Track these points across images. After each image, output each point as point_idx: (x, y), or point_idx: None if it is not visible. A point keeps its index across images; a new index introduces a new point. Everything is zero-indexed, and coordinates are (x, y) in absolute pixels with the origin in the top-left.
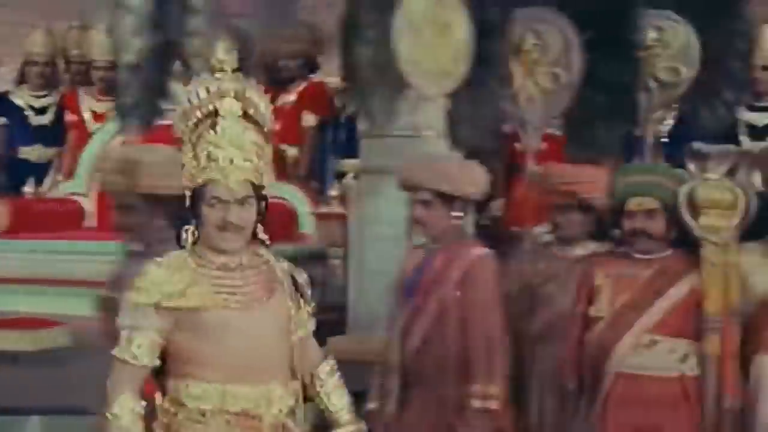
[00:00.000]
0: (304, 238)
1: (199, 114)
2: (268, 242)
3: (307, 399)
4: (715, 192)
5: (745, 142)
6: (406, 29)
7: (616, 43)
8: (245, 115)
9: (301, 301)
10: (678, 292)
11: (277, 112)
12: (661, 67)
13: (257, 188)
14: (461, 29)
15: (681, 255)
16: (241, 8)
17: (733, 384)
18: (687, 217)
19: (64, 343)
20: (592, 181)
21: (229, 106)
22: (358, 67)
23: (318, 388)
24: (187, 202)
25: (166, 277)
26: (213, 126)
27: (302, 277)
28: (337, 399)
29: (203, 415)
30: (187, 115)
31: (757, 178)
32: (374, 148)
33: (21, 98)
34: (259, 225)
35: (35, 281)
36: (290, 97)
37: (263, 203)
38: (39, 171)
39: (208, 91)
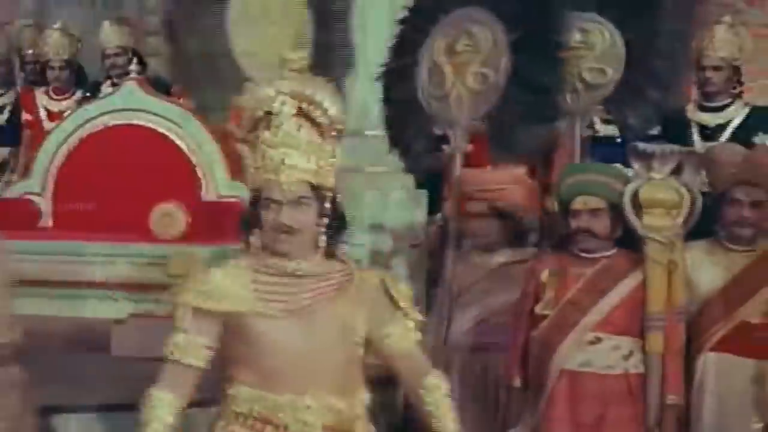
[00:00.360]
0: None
1: (257, 115)
2: (323, 248)
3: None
4: (658, 191)
5: (697, 142)
6: (240, 20)
7: (540, 44)
8: (304, 115)
9: (399, 312)
10: (622, 290)
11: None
12: (586, 68)
13: (317, 189)
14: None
15: (625, 254)
16: None
17: (675, 381)
18: (631, 216)
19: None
20: (504, 188)
21: (282, 104)
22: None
23: (427, 400)
24: (249, 205)
25: (218, 281)
26: (268, 126)
27: (396, 287)
28: (442, 413)
29: (237, 417)
30: (245, 117)
31: (702, 178)
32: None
33: None
34: (320, 228)
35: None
36: None
37: (327, 205)
38: None
39: (266, 91)
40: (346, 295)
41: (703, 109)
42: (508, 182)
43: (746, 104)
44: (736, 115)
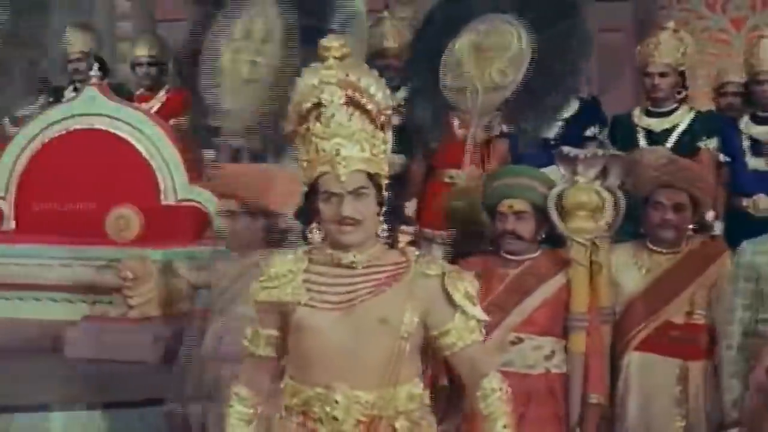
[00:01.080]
0: (216, 239)
1: (305, 107)
2: (383, 236)
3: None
4: (582, 195)
5: (644, 146)
6: None
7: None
8: (353, 103)
9: (457, 309)
10: (545, 291)
11: None
12: (496, 69)
13: (374, 178)
14: None
15: (550, 255)
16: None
17: (598, 381)
18: (555, 218)
19: None
20: (248, 186)
21: (331, 94)
22: None
23: (479, 403)
24: (304, 199)
25: (275, 270)
26: (318, 117)
27: (455, 284)
28: (498, 415)
29: (286, 409)
30: (292, 110)
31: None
32: None
33: None
34: (380, 217)
35: None
36: None
37: (383, 193)
38: None
39: (311, 82)
40: (397, 288)
41: (650, 114)
42: (257, 179)
43: (692, 109)
44: (682, 120)
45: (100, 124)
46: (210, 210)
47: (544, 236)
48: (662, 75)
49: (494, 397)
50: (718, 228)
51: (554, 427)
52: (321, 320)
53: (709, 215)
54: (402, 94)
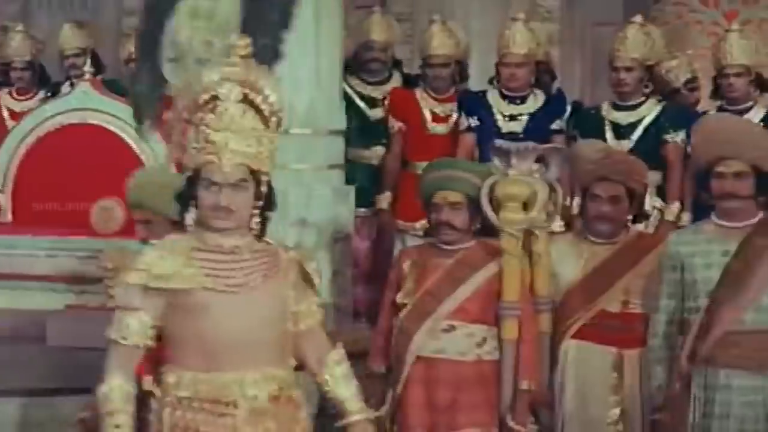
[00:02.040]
0: None
1: (203, 98)
2: (257, 230)
3: None
4: (512, 186)
5: (611, 140)
6: None
7: None
8: (248, 101)
9: (309, 290)
10: (477, 280)
11: None
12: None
13: (255, 173)
14: None
15: (483, 245)
16: None
17: (529, 368)
18: (488, 209)
19: None
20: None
21: (229, 90)
22: None
23: (326, 377)
24: (187, 184)
25: (159, 259)
26: (213, 110)
27: (311, 267)
28: (345, 387)
29: (180, 402)
30: (191, 99)
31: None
32: None
33: None
34: (254, 210)
35: None
36: None
37: (262, 189)
38: None
39: (212, 76)
40: (277, 273)
41: (617, 108)
42: None
43: (659, 102)
44: (648, 113)
45: (92, 119)
46: None
47: (479, 226)
48: (628, 69)
49: (345, 365)
50: (687, 219)
51: (486, 413)
52: (225, 304)
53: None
54: (392, 85)
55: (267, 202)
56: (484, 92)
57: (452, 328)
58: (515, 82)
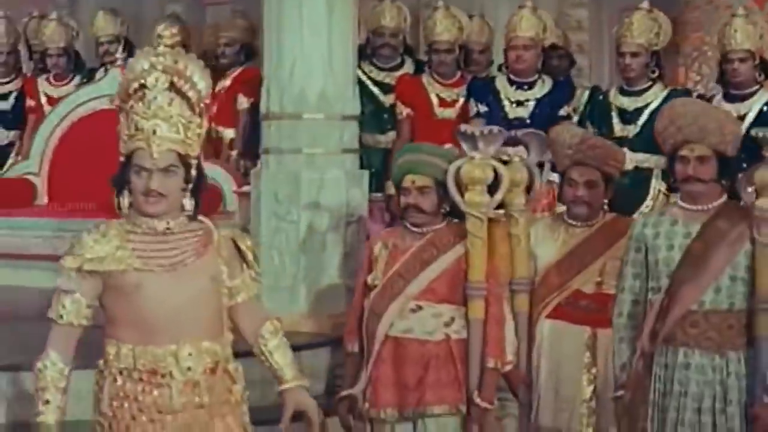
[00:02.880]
0: (229, 215)
1: (132, 87)
2: (190, 210)
3: None
4: (476, 170)
5: (617, 125)
6: None
7: None
8: (176, 89)
9: (244, 265)
10: (444, 261)
11: (215, 97)
12: None
13: (184, 158)
14: None
15: (451, 227)
16: None
17: (496, 346)
18: (454, 192)
19: None
20: None
21: (156, 79)
22: None
23: (261, 347)
24: (120, 170)
25: (93, 242)
26: (142, 98)
27: (245, 243)
28: (280, 356)
29: (120, 373)
30: (122, 88)
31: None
32: (285, 130)
33: None
34: (185, 193)
35: None
36: (226, 82)
37: (192, 172)
38: (1, 153)
39: (141, 65)
40: (210, 251)
41: (624, 93)
42: None
43: (666, 87)
44: (654, 98)
45: None
46: (223, 187)
47: (448, 209)
48: (634, 55)
49: (280, 335)
50: None
51: (453, 390)
52: (158, 282)
53: None
54: (405, 71)
55: (196, 184)
56: (492, 78)
57: (420, 308)
58: (522, 64)
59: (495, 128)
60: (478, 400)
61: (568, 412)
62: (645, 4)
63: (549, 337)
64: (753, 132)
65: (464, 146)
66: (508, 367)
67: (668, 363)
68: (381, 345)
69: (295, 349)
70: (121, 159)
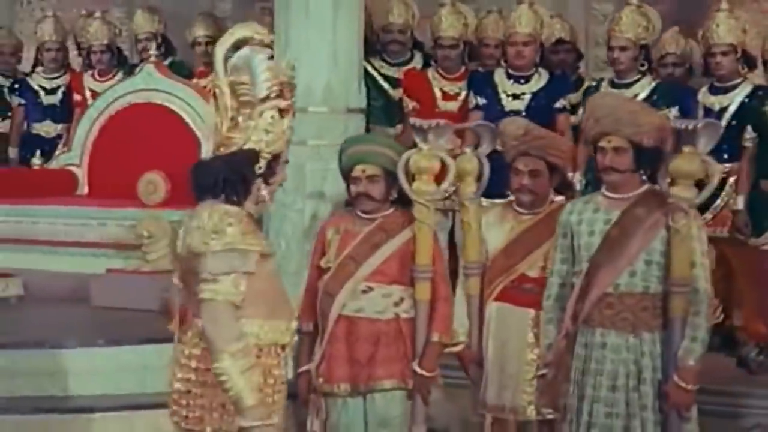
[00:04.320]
0: None
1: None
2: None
3: None
4: (423, 160)
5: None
6: None
7: None
8: None
9: None
10: (392, 245)
11: None
12: None
13: None
14: None
15: (399, 214)
16: None
17: (441, 323)
18: (403, 181)
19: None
20: None
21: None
22: None
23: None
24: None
25: (247, 227)
26: (291, 94)
27: None
28: None
29: (260, 350)
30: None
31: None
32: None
33: (36, 81)
34: None
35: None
36: None
37: None
38: (50, 145)
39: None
40: None
41: (614, 85)
42: None
43: (654, 80)
44: (642, 90)
45: (156, 98)
46: None
47: (396, 196)
48: (622, 49)
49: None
50: None
51: (401, 365)
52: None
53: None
54: (413, 66)
55: None
56: (491, 72)
57: (370, 289)
58: (521, 60)
59: (442, 122)
60: (417, 369)
61: (511, 389)
62: (635, 1)
63: (495, 319)
64: (675, 124)
65: (416, 138)
66: (459, 347)
67: (588, 343)
68: (334, 324)
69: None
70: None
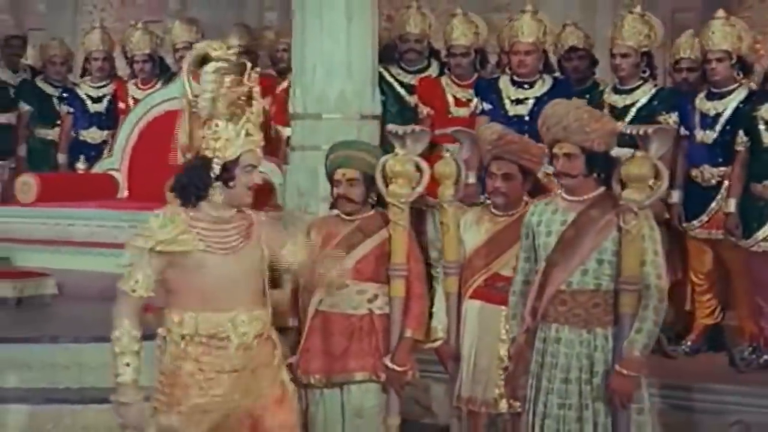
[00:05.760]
0: (278, 207)
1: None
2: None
3: None
4: (398, 165)
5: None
6: None
7: None
8: None
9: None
10: (369, 245)
11: (275, 98)
12: None
13: None
14: None
15: (377, 215)
16: None
17: (415, 319)
18: (380, 184)
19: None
20: None
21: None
22: None
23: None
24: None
25: (162, 226)
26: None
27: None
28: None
29: (183, 338)
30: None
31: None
32: (307, 129)
33: (83, 89)
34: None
35: (65, 243)
36: (285, 84)
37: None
38: (96, 150)
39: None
40: (254, 234)
41: (616, 91)
42: None
43: (655, 86)
44: (642, 96)
45: None
46: (275, 181)
47: (375, 199)
48: (624, 56)
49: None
50: (677, 197)
51: (373, 358)
52: (218, 261)
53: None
54: (430, 74)
55: None
56: (497, 78)
57: (346, 285)
58: (524, 68)
59: (418, 128)
60: (388, 363)
61: (482, 383)
62: (637, 9)
63: (471, 316)
64: (626, 129)
65: (395, 144)
66: (438, 343)
67: (545, 337)
68: (311, 319)
69: None
70: (218, 161)
